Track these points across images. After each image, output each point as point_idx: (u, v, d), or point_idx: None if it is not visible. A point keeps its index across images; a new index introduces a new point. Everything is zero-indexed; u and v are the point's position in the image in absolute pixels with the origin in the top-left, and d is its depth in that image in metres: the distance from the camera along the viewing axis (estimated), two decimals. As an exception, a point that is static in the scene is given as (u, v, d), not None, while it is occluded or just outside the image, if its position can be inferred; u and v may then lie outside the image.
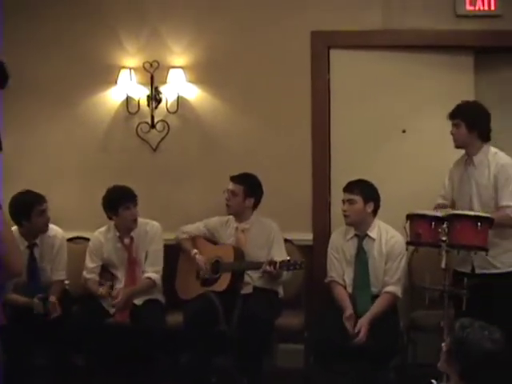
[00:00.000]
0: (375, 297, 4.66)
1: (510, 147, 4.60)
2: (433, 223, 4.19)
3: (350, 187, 4.74)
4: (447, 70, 5.28)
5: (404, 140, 5.35)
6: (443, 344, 2.90)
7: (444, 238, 4.09)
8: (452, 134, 4.53)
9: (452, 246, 4.14)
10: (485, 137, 4.50)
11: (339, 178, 5.19)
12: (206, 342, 4.73)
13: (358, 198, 4.69)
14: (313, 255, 5.23)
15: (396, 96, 5.31)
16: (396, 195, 5.02)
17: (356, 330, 4.43)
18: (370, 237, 4.74)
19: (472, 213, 4.23)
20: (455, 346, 2.81)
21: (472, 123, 4.45)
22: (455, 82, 5.25)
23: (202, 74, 5.37)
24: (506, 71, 5.38)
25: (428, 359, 4.97)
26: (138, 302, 4.85)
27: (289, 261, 4.67)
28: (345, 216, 4.74)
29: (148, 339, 4.63)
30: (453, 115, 4.52)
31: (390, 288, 4.65)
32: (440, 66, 5.29)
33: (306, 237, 5.34)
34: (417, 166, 5.28)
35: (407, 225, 4.32)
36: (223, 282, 4.85)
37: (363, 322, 4.46)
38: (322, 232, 5.32)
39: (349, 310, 4.55)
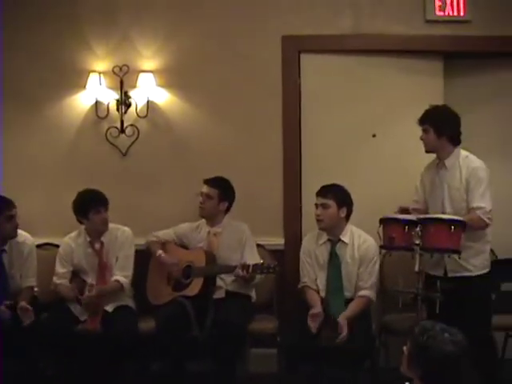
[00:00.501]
0: (348, 301, 4.64)
1: (479, 151, 4.61)
2: (406, 227, 4.22)
3: (324, 191, 4.72)
4: (417, 74, 5.32)
5: (374, 144, 5.37)
6: (404, 347, 2.85)
7: (417, 242, 4.11)
8: (422, 139, 4.54)
9: (425, 249, 4.16)
10: (455, 140, 4.52)
11: (310, 183, 5.21)
12: (179, 348, 4.67)
13: (331, 203, 4.68)
14: (284, 260, 5.21)
15: (366, 100, 5.33)
16: (367, 199, 5.04)
17: (339, 331, 4.37)
18: (342, 241, 4.74)
19: (445, 216, 4.26)
20: (416, 350, 2.77)
21: (440, 128, 4.47)
22: (425, 87, 5.29)
23: (172, 78, 5.33)
24: (475, 76, 5.43)
25: (400, 363, 5.18)
26: (109, 308, 4.77)
27: (262, 264, 4.64)
28: (318, 221, 4.72)
29: (120, 346, 4.56)
30: (421, 121, 4.55)
31: (364, 292, 4.66)
32: (410, 71, 5.33)
33: (278, 241, 5.32)
34: (388, 170, 5.31)
35: (380, 229, 4.34)
36: (195, 286, 4.80)
37: (343, 324, 4.40)
38: (294, 237, 5.31)
39: (316, 309, 4.51)
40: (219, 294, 4.85)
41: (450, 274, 4.42)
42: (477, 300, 4.39)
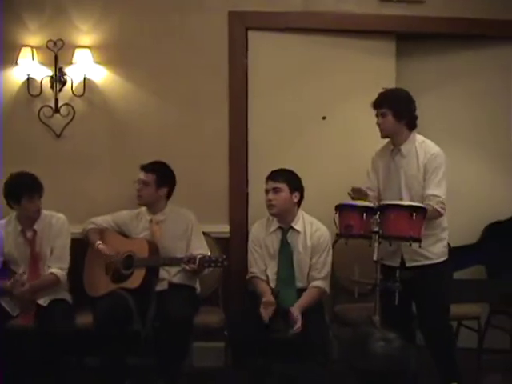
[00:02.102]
0: (300, 292, 4.44)
1: (431, 134, 4.46)
2: (364, 214, 4.04)
3: (275, 175, 4.50)
4: (369, 55, 5.15)
5: (325, 127, 5.16)
6: None
7: (376, 229, 3.95)
8: (378, 124, 4.33)
9: (385, 237, 3.99)
10: (412, 125, 4.34)
11: (257, 167, 5.01)
12: (119, 343, 4.37)
13: (283, 186, 4.46)
14: (230, 248, 4.98)
15: (316, 81, 5.12)
16: (317, 184, 4.84)
17: (293, 322, 4.16)
18: (294, 229, 4.53)
19: (406, 202, 4.09)
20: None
21: (400, 112, 4.29)
22: (376, 68, 5.13)
23: (111, 54, 5.00)
24: (428, 58, 5.30)
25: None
26: (42, 302, 4.42)
27: (210, 257, 4.38)
28: (269, 206, 4.49)
29: (56, 342, 4.22)
30: (378, 104, 4.33)
31: (317, 283, 4.47)
32: (361, 51, 5.15)
33: (223, 229, 5.08)
34: (338, 154, 5.15)
35: (336, 216, 4.13)
36: (136, 278, 4.51)
37: (296, 313, 4.19)
38: (240, 224, 5.10)
39: (267, 296, 4.32)
40: (162, 286, 4.59)
41: (408, 264, 4.26)
42: (437, 288, 4.26)
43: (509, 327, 4.82)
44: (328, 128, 5.16)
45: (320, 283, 4.47)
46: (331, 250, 4.58)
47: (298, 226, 4.53)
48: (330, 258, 4.55)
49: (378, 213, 3.97)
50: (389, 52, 5.15)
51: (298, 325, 4.16)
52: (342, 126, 5.15)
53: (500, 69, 5.26)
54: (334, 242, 4.65)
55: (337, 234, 4.22)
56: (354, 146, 5.08)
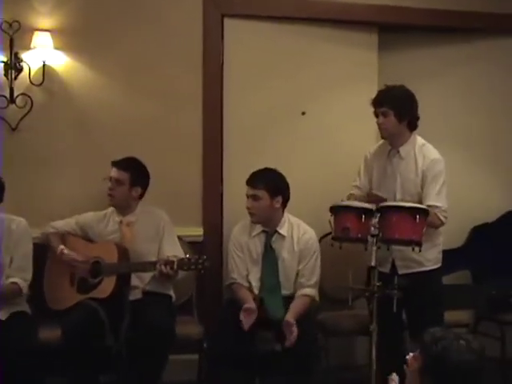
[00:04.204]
0: (286, 300, 4.16)
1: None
2: (363, 216, 3.76)
3: (253, 180, 4.21)
4: (350, 46, 4.92)
5: (304, 123, 4.88)
6: (408, 356, 2.49)
7: (376, 233, 3.69)
8: (378, 124, 4.09)
9: (385, 240, 3.75)
10: (413, 126, 4.12)
11: (233, 165, 4.75)
12: (90, 359, 3.99)
13: (262, 193, 4.16)
14: (204, 252, 4.49)
15: (295, 73, 4.87)
16: (296, 184, 4.47)
17: (290, 332, 3.89)
18: (279, 233, 4.25)
19: (408, 204, 3.83)
20: (429, 362, 2.40)
21: (402, 111, 4.05)
22: (358, 60, 4.93)
23: (74, 39, 4.56)
24: (412, 51, 5.11)
25: (340, 363, 4.76)
26: (1, 315, 3.95)
27: (189, 259, 4.01)
28: (249, 214, 4.22)
29: (18, 360, 3.77)
30: (379, 102, 4.08)
31: (307, 291, 4.21)
32: (343, 43, 4.92)
33: (196, 232, 4.72)
34: (319, 152, 4.89)
35: (332, 218, 3.87)
36: (106, 286, 4.11)
37: (291, 322, 3.92)
38: (214, 226, 4.76)
39: (250, 303, 4.03)
40: (135, 295, 4.20)
41: (400, 271, 4.05)
42: (432, 297, 4.08)
43: (498, 334, 4.63)
44: (308, 124, 4.89)
45: (309, 291, 4.20)
46: (319, 255, 4.28)
47: (283, 230, 4.26)
48: (318, 263, 4.28)
49: (378, 215, 3.70)
50: (371, 44, 4.95)
51: (294, 336, 3.88)
52: (322, 122, 4.89)
53: (486, 64, 5.12)
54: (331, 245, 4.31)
55: (333, 238, 3.90)
56: (335, 143, 4.84)
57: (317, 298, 4.24)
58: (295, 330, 3.89)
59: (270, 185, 4.18)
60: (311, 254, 4.24)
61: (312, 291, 4.19)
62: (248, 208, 4.20)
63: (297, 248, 4.23)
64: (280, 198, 4.21)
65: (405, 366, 2.48)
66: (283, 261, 4.23)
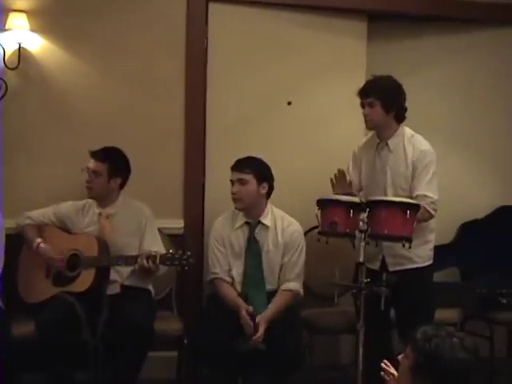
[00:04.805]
0: (271, 295, 4.03)
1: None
2: (351, 211, 3.62)
3: (240, 165, 4.08)
4: (338, 35, 4.78)
5: (290, 113, 4.74)
6: (400, 356, 2.47)
7: (364, 228, 3.56)
8: (364, 114, 3.97)
9: (373, 236, 3.61)
10: (401, 117, 4.00)
11: (216, 156, 4.61)
12: (65, 356, 3.86)
13: (250, 178, 4.04)
14: (184, 246, 4.40)
15: (282, 61, 4.72)
16: (282, 176, 4.33)
17: (254, 330, 3.82)
18: (263, 224, 4.11)
19: (399, 199, 3.69)
20: (422, 361, 2.36)
21: (389, 102, 3.94)
22: (346, 49, 4.80)
23: (51, 21, 4.40)
24: (403, 40, 5.00)
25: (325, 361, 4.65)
26: (-29, 310, 3.81)
27: (172, 254, 3.86)
28: (235, 199, 4.08)
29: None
30: (365, 93, 3.96)
31: (289, 285, 4.07)
32: (331, 31, 4.77)
33: (176, 224, 4.58)
34: (304, 143, 4.76)
35: (319, 212, 3.73)
36: (84, 280, 3.97)
37: (260, 321, 3.84)
38: (195, 219, 4.62)
39: (244, 308, 3.90)
40: (113, 290, 4.06)
41: (391, 268, 3.94)
42: (422, 295, 3.96)
43: (486, 333, 4.53)
44: (293, 114, 4.75)
45: (292, 285, 4.07)
46: (304, 248, 4.15)
47: (266, 220, 4.12)
48: (303, 257, 4.15)
49: (368, 210, 3.56)
50: (360, 32, 4.81)
51: (259, 334, 3.79)
52: (308, 113, 4.75)
53: (479, 54, 5.02)
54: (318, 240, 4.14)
55: (319, 232, 3.76)
56: (322, 133, 4.73)
57: (301, 292, 4.09)
58: (262, 332, 3.80)
59: (257, 170, 4.08)
60: (296, 248, 4.11)
61: (296, 285, 4.07)
62: (233, 193, 4.06)
63: (281, 240, 4.10)
64: (266, 185, 4.10)
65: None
66: (267, 252, 4.10)
